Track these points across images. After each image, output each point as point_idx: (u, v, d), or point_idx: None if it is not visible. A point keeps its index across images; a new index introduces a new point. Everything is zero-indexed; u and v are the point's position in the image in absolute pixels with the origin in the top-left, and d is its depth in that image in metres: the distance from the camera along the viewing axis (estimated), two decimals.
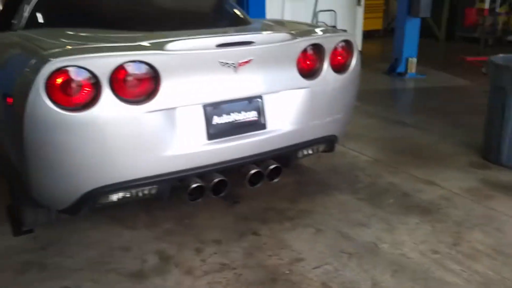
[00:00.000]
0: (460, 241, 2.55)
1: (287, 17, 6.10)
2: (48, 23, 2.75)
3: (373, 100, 5.54)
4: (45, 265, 2.36)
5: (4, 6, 3.76)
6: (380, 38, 10.94)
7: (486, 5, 8.68)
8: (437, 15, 8.35)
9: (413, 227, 2.71)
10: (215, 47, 2.13)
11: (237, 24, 2.72)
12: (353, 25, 7.26)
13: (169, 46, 2.04)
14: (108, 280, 2.24)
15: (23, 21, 2.81)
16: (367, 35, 8.79)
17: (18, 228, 2.66)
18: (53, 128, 1.91)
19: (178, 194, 2.37)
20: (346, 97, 2.75)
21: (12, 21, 2.97)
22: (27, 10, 2.83)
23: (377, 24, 9.66)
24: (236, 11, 2.97)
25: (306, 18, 6.49)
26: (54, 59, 1.83)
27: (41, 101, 1.85)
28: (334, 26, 6.70)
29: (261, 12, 4.63)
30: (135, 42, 2.12)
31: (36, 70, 1.83)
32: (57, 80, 1.88)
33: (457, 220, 2.77)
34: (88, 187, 2.08)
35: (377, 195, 3.10)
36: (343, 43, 2.60)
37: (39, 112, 1.87)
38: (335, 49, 2.56)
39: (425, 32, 6.56)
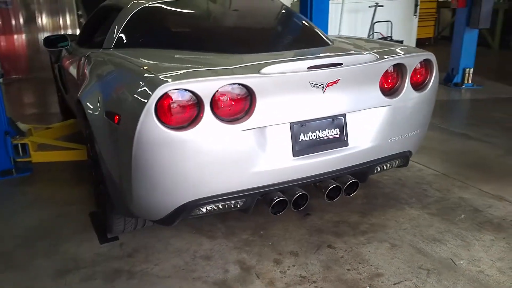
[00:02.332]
0: None
1: (345, 27, 6.15)
2: (138, 44, 2.93)
3: (433, 111, 5.49)
4: (134, 273, 2.50)
5: (87, 24, 4.01)
6: (432, 46, 10.80)
7: None
8: (491, 24, 8.20)
9: (488, 244, 2.70)
10: (306, 69, 2.23)
11: (320, 44, 2.81)
12: (409, 34, 7.23)
13: (265, 69, 2.15)
14: None
15: (114, 40, 3.00)
16: (419, 43, 8.70)
17: (104, 236, 2.84)
18: (159, 146, 2.05)
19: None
20: (423, 114, 2.79)
21: (102, 39, 3.18)
22: (118, 30, 3.03)
23: (429, 32, 9.55)
24: (317, 31, 3.07)
25: (363, 28, 6.52)
26: (166, 83, 1.97)
27: (151, 121, 2.00)
28: (390, 37, 6.69)
29: (324, 24, 4.71)
30: (232, 65, 2.25)
31: (149, 92, 1.98)
32: (166, 101, 2.02)
33: None
34: (184, 200, 2.21)
35: (448, 210, 3.11)
36: (423, 62, 2.64)
37: (149, 131, 2.01)
38: (416, 67, 2.61)
39: (478, 40, 6.44)
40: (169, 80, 2.00)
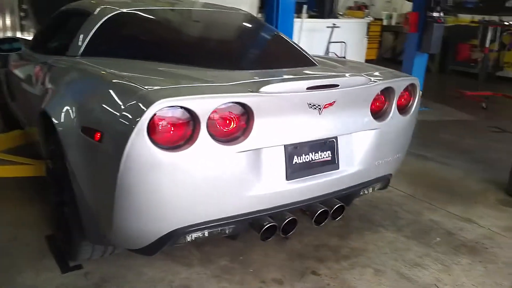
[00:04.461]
0: None
1: (302, 45, 6.18)
2: (111, 53, 2.70)
3: None
4: None
5: (44, 28, 3.67)
6: None
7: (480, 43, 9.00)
8: None
9: (467, 267, 2.73)
10: (305, 90, 2.13)
11: (307, 63, 2.73)
12: (360, 56, 7.42)
13: (264, 88, 2.02)
14: None
15: (81, 48, 2.75)
16: None
17: (65, 264, 2.55)
18: (150, 168, 1.85)
19: None
20: (406, 137, 2.79)
21: (65, 45, 2.90)
22: (87, 36, 2.77)
23: (372, 54, 9.91)
24: (301, 49, 2.99)
25: (319, 47, 6.60)
26: (162, 99, 1.78)
27: (143, 140, 1.80)
28: (344, 57, 6.82)
29: None
30: (225, 81, 2.10)
31: (142, 108, 1.78)
32: (160, 119, 1.83)
33: (506, 261, 2.81)
34: (172, 227, 2.01)
35: (422, 233, 3.12)
36: (409, 86, 2.64)
37: (139, 151, 1.81)
38: (403, 91, 2.60)
39: None
40: (164, 96, 1.82)
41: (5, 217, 3.10)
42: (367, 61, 10.02)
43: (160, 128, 1.84)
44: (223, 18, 3.30)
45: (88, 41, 2.78)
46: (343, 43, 7.00)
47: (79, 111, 2.16)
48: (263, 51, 2.89)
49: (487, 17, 8.57)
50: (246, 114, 2.02)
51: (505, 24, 7.99)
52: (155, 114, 1.80)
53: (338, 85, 2.23)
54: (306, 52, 2.95)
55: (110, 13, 2.85)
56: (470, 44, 9.75)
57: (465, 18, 9.82)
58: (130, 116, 1.83)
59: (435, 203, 3.60)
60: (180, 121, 1.89)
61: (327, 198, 2.44)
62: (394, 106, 2.57)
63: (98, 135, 1.96)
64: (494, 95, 7.57)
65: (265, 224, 2.23)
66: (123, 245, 2.18)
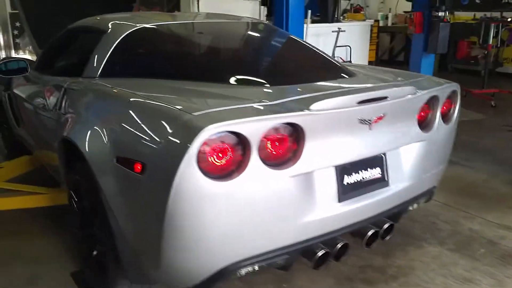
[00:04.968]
0: None
1: None
2: (132, 73, 2.53)
3: None
4: None
5: (50, 49, 3.49)
6: None
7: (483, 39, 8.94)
8: None
9: None
10: (356, 104, 1.97)
11: (344, 75, 2.56)
12: (364, 59, 7.31)
13: (316, 105, 1.86)
14: None
15: (99, 69, 2.57)
16: None
17: None
18: (201, 199, 1.68)
19: None
20: (449, 147, 2.65)
21: (79, 66, 2.73)
22: (104, 56, 2.60)
23: (372, 56, 9.81)
24: (333, 60, 2.84)
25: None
26: (210, 126, 1.61)
27: (193, 170, 1.63)
28: (349, 61, 6.70)
29: None
30: (271, 100, 1.94)
31: (190, 136, 1.61)
32: (208, 147, 1.66)
33: None
34: (225, 262, 1.83)
35: (465, 244, 2.98)
36: (451, 93, 2.50)
37: (189, 182, 1.64)
38: (445, 99, 2.46)
39: None
40: (213, 120, 1.65)
41: (23, 253, 2.90)
42: (368, 63, 9.97)
43: (209, 156, 1.67)
44: (245, 30, 3.15)
45: (106, 61, 2.60)
46: (348, 47, 6.88)
47: (111, 139, 1.98)
48: (297, 64, 2.72)
49: (488, 14, 8.50)
50: (296, 134, 1.86)
51: (506, 20, 7.93)
52: (206, 141, 1.64)
53: (387, 97, 2.08)
54: (338, 62, 2.80)
55: (127, 30, 2.68)
56: (469, 42, 9.70)
57: (461, 15, 9.76)
58: (177, 145, 1.66)
59: (470, 210, 3.46)
60: (229, 147, 1.72)
61: (379, 218, 2.28)
62: (438, 115, 2.42)
63: (139, 167, 1.79)
64: (500, 92, 7.49)
65: (317, 251, 2.06)
66: (171, 283, 1.99)
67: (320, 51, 2.95)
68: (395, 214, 2.42)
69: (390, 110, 2.11)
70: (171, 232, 1.73)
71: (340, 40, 6.65)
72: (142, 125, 1.87)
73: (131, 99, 2.07)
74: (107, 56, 2.61)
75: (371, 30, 7.64)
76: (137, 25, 2.75)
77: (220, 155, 1.71)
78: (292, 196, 1.90)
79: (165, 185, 1.66)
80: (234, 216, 1.78)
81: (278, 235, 1.92)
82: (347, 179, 2.09)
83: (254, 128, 1.71)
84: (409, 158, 2.35)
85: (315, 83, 2.31)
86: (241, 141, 1.73)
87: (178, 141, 1.67)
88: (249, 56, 2.81)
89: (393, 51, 11.43)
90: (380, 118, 2.06)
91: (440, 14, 6.02)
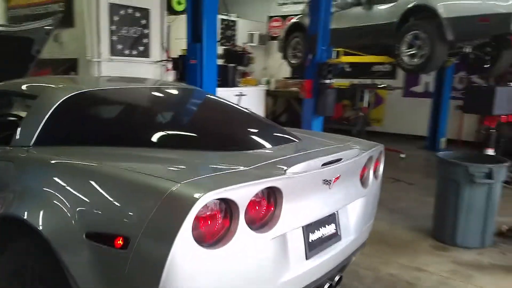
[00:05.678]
0: None
1: None
2: (77, 140, 2.42)
3: None
4: None
5: None
6: None
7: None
8: None
9: None
10: (320, 167, 2.16)
11: (293, 139, 2.73)
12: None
13: (291, 169, 2.00)
14: None
15: (34, 136, 2.40)
16: None
17: None
18: (194, 271, 1.68)
19: None
20: (377, 200, 2.96)
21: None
22: (39, 123, 2.44)
23: None
24: (277, 125, 3.02)
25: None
26: (207, 193, 1.64)
27: (188, 241, 1.62)
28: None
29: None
30: (246, 165, 2.02)
31: (185, 206, 1.61)
32: (202, 215, 1.68)
33: None
34: None
35: None
36: (379, 153, 2.84)
37: (184, 254, 1.63)
38: (376, 158, 2.79)
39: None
40: (205, 189, 1.67)
41: None
42: None
43: (202, 224, 1.69)
44: (185, 94, 3.22)
45: (42, 128, 2.43)
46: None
47: (76, 214, 1.86)
48: (247, 129, 2.85)
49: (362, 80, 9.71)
50: (274, 197, 1.96)
51: (377, 86, 9.15)
52: (199, 210, 1.65)
53: (342, 159, 2.31)
54: (280, 126, 3.00)
55: (68, 94, 2.56)
56: (342, 104, 10.88)
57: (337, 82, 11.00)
58: (170, 216, 1.65)
59: (384, 256, 3.83)
60: (219, 214, 1.76)
61: (334, 271, 2.43)
62: (371, 172, 2.73)
63: (119, 242, 1.71)
64: None
65: None
66: None
67: (262, 117, 3.13)
68: (343, 266, 2.61)
69: (344, 170, 2.34)
70: None
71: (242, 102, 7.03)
72: (119, 198, 1.82)
73: (96, 170, 1.99)
74: (43, 122, 2.45)
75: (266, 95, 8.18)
76: (75, 89, 2.66)
77: (213, 222, 1.74)
78: (272, 258, 1.98)
79: (158, 257, 1.62)
80: (224, 282, 1.78)
81: None
82: (311, 237, 2.23)
83: (244, 194, 1.78)
84: (354, 213, 2.59)
85: (276, 148, 2.47)
86: (229, 207, 1.77)
87: (171, 212, 1.65)
88: (198, 120, 2.87)
89: (275, 113, 12.24)
90: (337, 178, 2.27)
91: (327, 81, 6.75)
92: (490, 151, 6.01)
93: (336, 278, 2.49)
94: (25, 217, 2.00)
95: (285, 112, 11.85)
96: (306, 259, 2.18)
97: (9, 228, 2.12)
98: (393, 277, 3.48)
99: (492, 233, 4.13)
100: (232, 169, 1.96)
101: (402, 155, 7.84)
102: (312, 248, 2.22)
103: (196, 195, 1.63)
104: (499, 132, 6.57)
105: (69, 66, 6.43)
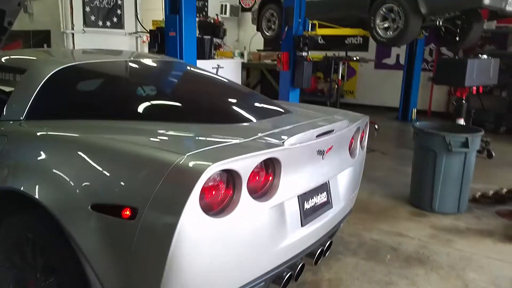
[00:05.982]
0: (468, 283, 3.04)
1: None
2: (71, 114, 2.40)
3: None
4: None
5: None
6: None
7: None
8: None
9: (426, 277, 3.10)
10: (315, 138, 2.23)
11: (285, 112, 2.77)
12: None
13: (290, 140, 2.06)
14: None
15: (25, 109, 2.37)
16: None
17: None
18: (201, 240, 1.73)
19: None
20: (362, 170, 3.08)
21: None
22: (29, 96, 2.40)
23: None
24: (272, 100, 3.06)
25: None
26: (212, 164, 1.68)
27: (195, 211, 1.67)
28: None
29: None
30: (245, 137, 2.06)
31: (191, 176, 1.66)
32: (208, 186, 1.72)
33: (449, 264, 3.29)
34: None
35: (374, 252, 3.43)
36: (365, 124, 2.94)
37: (192, 223, 1.67)
38: (362, 129, 2.88)
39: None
40: (211, 159, 1.72)
41: None
42: None
43: (208, 194, 1.74)
44: (174, 67, 3.20)
45: (32, 101, 2.40)
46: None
47: (80, 186, 1.88)
48: (241, 101, 2.87)
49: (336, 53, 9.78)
50: (273, 168, 2.02)
51: (351, 58, 9.25)
52: (206, 181, 1.70)
53: (333, 130, 2.39)
54: (270, 99, 3.05)
55: (58, 67, 2.52)
56: (315, 77, 10.97)
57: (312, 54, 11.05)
58: (178, 186, 1.68)
59: (366, 223, 3.99)
60: (224, 184, 1.81)
61: (326, 237, 2.54)
62: (358, 142, 2.83)
63: (127, 212, 1.75)
64: None
65: (284, 274, 2.23)
66: None
67: (251, 90, 3.16)
68: (334, 232, 2.73)
69: (335, 141, 2.42)
70: (172, 272, 1.71)
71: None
72: (125, 170, 1.84)
73: (99, 144, 1.99)
74: (33, 96, 2.41)
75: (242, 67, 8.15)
76: (64, 62, 2.62)
77: (217, 192, 1.79)
78: (271, 226, 2.06)
79: (167, 226, 1.67)
80: (228, 250, 1.85)
81: (258, 264, 2.03)
82: (306, 205, 2.32)
83: (247, 165, 1.83)
84: (343, 182, 2.69)
85: (272, 119, 2.52)
86: (232, 178, 1.83)
87: (178, 183, 1.69)
88: (190, 93, 2.86)
89: (249, 85, 12.24)
90: (329, 148, 2.35)
91: (304, 54, 6.79)
92: (461, 122, 6.23)
93: (327, 244, 2.62)
94: (27, 190, 1.99)
95: (259, 84, 11.86)
96: (302, 226, 2.27)
97: (9, 202, 2.11)
98: (376, 242, 3.64)
99: (467, 200, 4.34)
100: (232, 141, 2.00)
101: (376, 126, 8.05)
102: (306, 216, 2.31)
103: (203, 166, 1.67)
104: (469, 103, 6.82)
105: (41, 38, 6.21)
